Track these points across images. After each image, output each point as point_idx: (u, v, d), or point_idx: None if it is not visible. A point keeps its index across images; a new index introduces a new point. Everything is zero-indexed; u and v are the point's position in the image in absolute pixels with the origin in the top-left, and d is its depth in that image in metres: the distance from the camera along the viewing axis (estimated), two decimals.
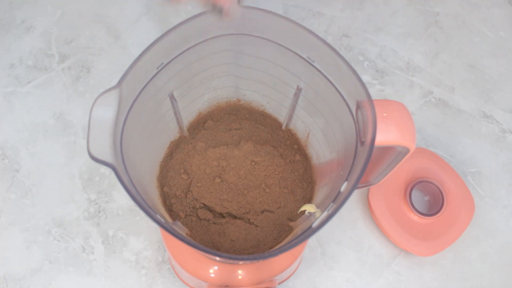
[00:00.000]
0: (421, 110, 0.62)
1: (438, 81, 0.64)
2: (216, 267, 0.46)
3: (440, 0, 0.69)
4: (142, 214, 0.56)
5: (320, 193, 0.43)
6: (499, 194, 0.59)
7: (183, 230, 0.42)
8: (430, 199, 0.57)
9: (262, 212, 0.44)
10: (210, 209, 0.45)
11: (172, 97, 0.42)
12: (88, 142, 0.31)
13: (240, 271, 0.46)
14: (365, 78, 0.64)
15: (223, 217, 0.45)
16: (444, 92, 0.63)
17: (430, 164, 0.56)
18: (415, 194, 0.56)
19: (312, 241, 0.56)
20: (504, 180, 0.59)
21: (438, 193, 0.55)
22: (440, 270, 0.55)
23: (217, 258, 0.41)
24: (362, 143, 0.31)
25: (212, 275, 0.46)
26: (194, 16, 0.36)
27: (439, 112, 0.62)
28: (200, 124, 0.48)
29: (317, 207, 0.41)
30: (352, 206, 0.57)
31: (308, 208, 0.41)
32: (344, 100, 0.36)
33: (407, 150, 0.30)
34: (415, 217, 0.54)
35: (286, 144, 0.48)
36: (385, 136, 0.28)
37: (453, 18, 0.68)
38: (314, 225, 0.33)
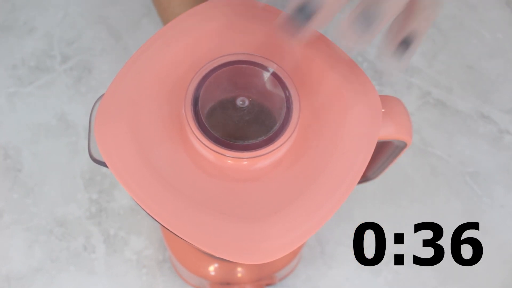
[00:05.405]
0: (419, 111, 0.63)
1: (436, 82, 0.64)
2: (216, 265, 0.46)
3: None
4: (143, 213, 0.56)
5: None
6: (497, 194, 0.59)
7: None
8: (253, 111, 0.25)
9: None
10: None
11: None
12: (89, 143, 0.31)
13: (240, 269, 0.46)
14: None
15: None
16: (442, 93, 0.64)
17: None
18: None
19: (311, 240, 0.56)
20: (501, 180, 0.60)
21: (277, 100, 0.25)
22: (440, 270, 0.56)
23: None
24: None
25: (213, 273, 0.46)
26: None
27: (437, 113, 0.63)
28: None
29: None
30: (352, 205, 0.58)
31: None
32: None
33: (404, 144, 0.30)
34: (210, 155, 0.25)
35: None
36: (382, 130, 0.28)
37: (451, 20, 0.68)
38: None
